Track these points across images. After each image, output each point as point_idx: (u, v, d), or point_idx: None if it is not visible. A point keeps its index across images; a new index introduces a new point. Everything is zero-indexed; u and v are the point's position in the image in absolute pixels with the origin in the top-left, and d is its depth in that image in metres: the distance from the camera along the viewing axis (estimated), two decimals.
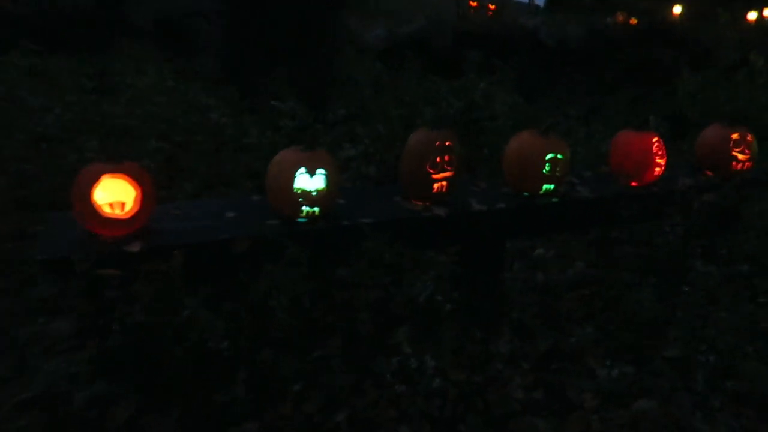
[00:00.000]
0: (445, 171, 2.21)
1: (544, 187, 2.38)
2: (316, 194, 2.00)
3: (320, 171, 2.00)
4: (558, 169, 2.36)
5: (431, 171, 2.19)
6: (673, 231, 2.70)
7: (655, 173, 2.61)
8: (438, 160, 2.18)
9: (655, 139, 2.59)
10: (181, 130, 3.40)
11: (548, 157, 2.33)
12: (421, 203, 2.24)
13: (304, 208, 2.01)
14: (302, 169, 1.98)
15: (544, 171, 2.34)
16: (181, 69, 4.42)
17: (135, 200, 1.83)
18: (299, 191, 1.99)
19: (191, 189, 2.84)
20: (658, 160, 2.59)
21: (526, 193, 2.41)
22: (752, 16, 9.52)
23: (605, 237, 2.89)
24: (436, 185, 2.21)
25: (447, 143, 2.20)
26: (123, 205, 1.82)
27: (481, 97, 4.64)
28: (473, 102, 4.49)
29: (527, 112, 4.65)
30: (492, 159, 3.47)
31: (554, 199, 2.41)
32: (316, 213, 2.02)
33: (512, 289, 2.57)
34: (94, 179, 1.80)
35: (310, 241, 1.97)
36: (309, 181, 1.99)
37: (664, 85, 5.66)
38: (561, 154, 2.36)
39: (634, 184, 2.65)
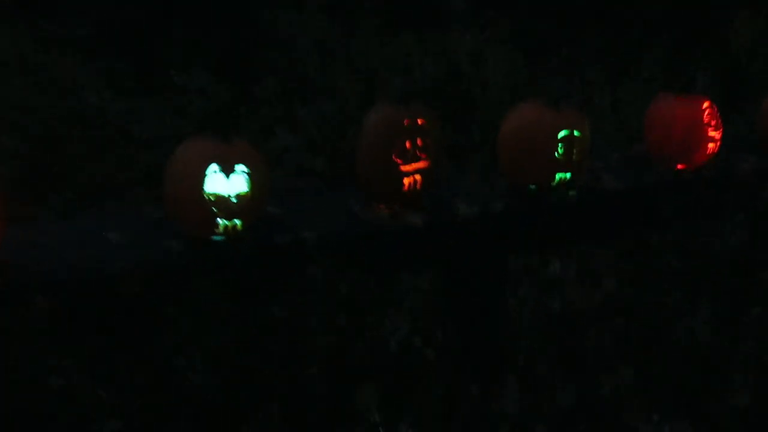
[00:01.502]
0: (418, 160, 2.24)
1: (558, 176, 2.40)
2: (237, 201, 2.00)
3: (240, 168, 2.00)
4: (575, 151, 2.38)
5: (399, 161, 2.21)
6: (734, 232, 2.72)
7: (708, 151, 2.65)
8: (408, 145, 2.21)
9: (705, 105, 2.63)
10: (46, 121, 3.35)
11: (561, 135, 2.35)
12: (387, 208, 2.26)
13: (220, 222, 2.01)
14: (214, 167, 1.97)
15: (556, 154, 2.36)
16: (44, 35, 4.36)
17: None
18: (212, 198, 1.98)
19: (60, 204, 2.82)
20: (712, 133, 2.62)
21: (532, 186, 2.43)
22: None
23: (642, 244, 2.89)
24: (407, 181, 2.24)
25: (419, 122, 2.22)
26: None
27: (469, 59, 4.73)
28: (457, 66, 4.56)
29: (531, 78, 4.69)
30: (485, 143, 3.49)
31: (571, 193, 2.43)
32: (238, 227, 2.02)
33: (519, 322, 2.56)
34: None
35: (229, 267, 1.97)
36: (225, 184, 1.98)
37: (714, 33, 5.75)
38: (578, 130, 2.38)
39: (679, 167, 2.67)
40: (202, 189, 1.97)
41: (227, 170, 1.98)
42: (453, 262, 2.33)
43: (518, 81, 4.60)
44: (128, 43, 4.06)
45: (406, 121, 2.20)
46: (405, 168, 2.22)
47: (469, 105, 4.22)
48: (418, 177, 2.24)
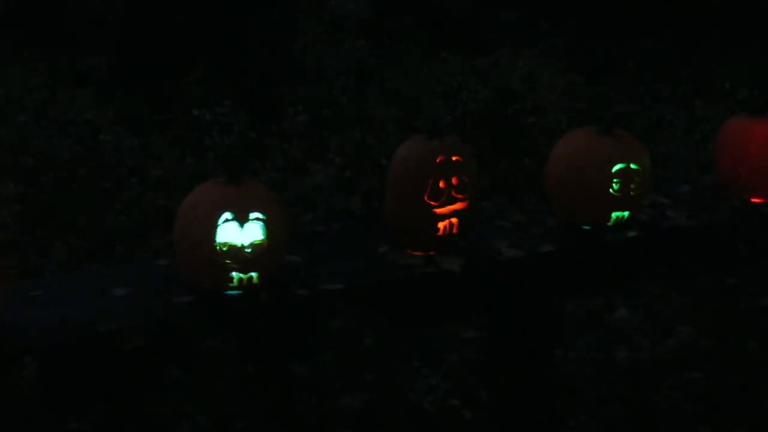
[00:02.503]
0: (454, 202, 2.23)
1: (613, 215, 2.39)
2: (251, 252, 2.01)
3: (255, 216, 2.01)
4: (633, 186, 2.36)
5: (432, 203, 2.20)
6: None
7: None
8: (442, 185, 2.20)
9: None
10: (56, 163, 3.42)
11: (616, 168, 2.34)
12: (420, 253, 2.25)
13: (234, 275, 2.02)
14: (227, 215, 1.99)
15: (611, 190, 2.35)
16: (57, 71, 4.46)
17: None
18: (224, 248, 2.00)
19: (66, 253, 2.84)
20: None
21: (586, 227, 2.42)
22: None
23: (721, 285, 2.87)
24: (441, 225, 2.23)
25: (454, 158, 2.22)
26: None
27: (520, 81, 4.73)
28: (507, 89, 4.56)
29: (591, 98, 4.71)
30: (538, 175, 3.47)
31: (631, 233, 2.41)
32: (254, 280, 2.03)
33: (577, 376, 2.55)
34: None
35: (244, 324, 1.98)
36: (239, 233, 2.00)
37: None
38: (636, 162, 2.37)
39: (755, 200, 2.63)
40: (214, 240, 1.98)
41: (241, 218, 1.99)
42: (497, 310, 2.33)
43: (577, 103, 4.62)
44: (147, 77, 4.13)
45: (439, 158, 2.19)
46: (439, 211, 2.20)
47: (522, 132, 4.23)
48: (454, 220, 2.23)
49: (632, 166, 2.35)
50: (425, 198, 2.19)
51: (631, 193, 2.37)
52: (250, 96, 3.99)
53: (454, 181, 2.21)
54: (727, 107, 4.63)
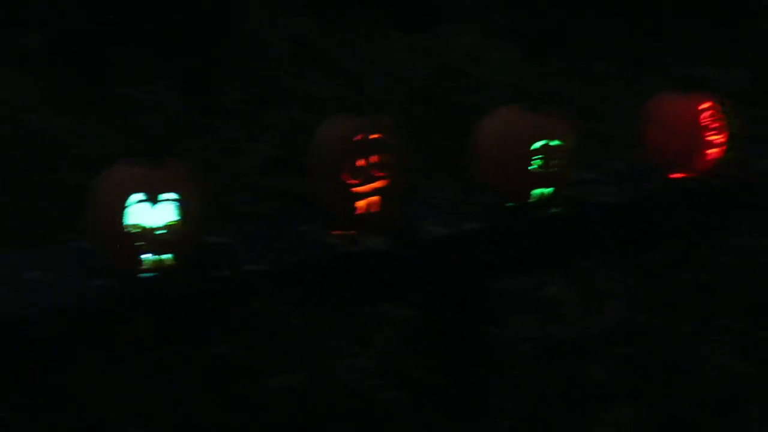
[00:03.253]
0: (374, 180, 2.23)
1: (535, 192, 2.41)
2: (165, 233, 1.99)
3: (168, 196, 1.99)
4: (554, 162, 2.38)
5: (351, 182, 2.20)
6: (759, 242, 2.70)
7: (709, 157, 2.65)
8: (361, 163, 2.20)
9: (705, 105, 2.62)
10: None
11: (536, 146, 2.35)
12: (342, 232, 2.26)
13: (148, 257, 2.00)
14: (138, 196, 1.97)
15: (530, 167, 2.36)
16: None
17: None
18: (135, 230, 1.98)
19: None
20: (711, 137, 2.62)
21: (509, 203, 2.45)
22: None
23: (651, 259, 2.84)
24: (360, 204, 2.23)
25: (372, 136, 2.21)
26: None
27: (464, 58, 4.70)
28: (450, 66, 4.54)
29: (535, 76, 4.65)
30: None
31: (554, 210, 2.44)
32: (169, 262, 2.02)
33: (509, 354, 2.52)
34: None
35: (161, 307, 1.96)
36: (151, 213, 1.98)
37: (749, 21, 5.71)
38: (557, 138, 2.38)
39: (676, 175, 2.68)
40: (122, 221, 1.96)
41: (152, 198, 1.97)
42: (425, 289, 2.33)
43: (521, 81, 4.56)
44: (78, 55, 4.05)
45: (357, 136, 2.18)
46: (358, 189, 2.20)
47: (464, 109, 4.14)
48: (375, 198, 2.23)
49: (552, 143, 2.36)
50: (344, 177, 2.19)
51: (553, 169, 2.38)
52: (185, 73, 3.93)
53: (373, 159, 2.20)
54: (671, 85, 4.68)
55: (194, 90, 3.90)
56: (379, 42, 4.87)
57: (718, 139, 2.63)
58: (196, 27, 4.27)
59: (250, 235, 2.31)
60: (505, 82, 4.54)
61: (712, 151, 2.63)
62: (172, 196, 1.99)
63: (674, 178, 2.68)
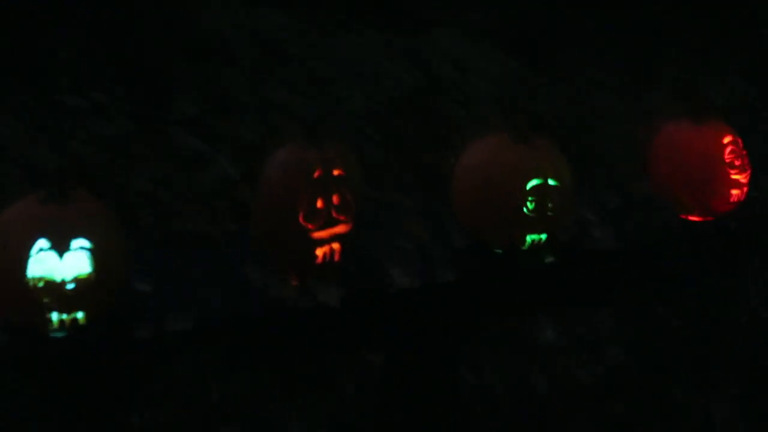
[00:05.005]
0: (335, 224, 2.01)
1: (528, 238, 2.23)
2: (75, 288, 1.78)
3: (79, 243, 1.78)
4: (551, 205, 2.19)
5: (309, 226, 1.99)
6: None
7: (732, 198, 2.48)
8: (320, 204, 1.98)
9: (728, 139, 2.45)
10: None
11: (531, 185, 2.16)
12: (295, 282, 2.06)
13: (54, 315, 1.80)
14: (42, 243, 1.76)
15: (525, 210, 2.18)
16: None
17: None
18: (40, 284, 1.77)
19: None
20: (735, 177, 2.45)
21: (497, 250, 2.28)
22: None
23: (648, 306, 2.90)
24: (320, 251, 2.01)
25: (335, 172, 2.00)
26: None
27: (448, 64, 4.61)
28: (433, 74, 4.39)
29: (528, 87, 4.59)
30: None
31: (548, 259, 2.28)
32: (79, 321, 1.82)
33: (484, 402, 2.55)
34: None
35: (67, 373, 1.82)
36: (57, 265, 1.77)
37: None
38: (555, 178, 2.20)
39: (692, 218, 2.54)
40: (26, 274, 1.76)
41: (60, 247, 1.77)
42: (388, 344, 2.22)
43: (512, 92, 4.51)
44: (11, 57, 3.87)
45: (317, 173, 1.96)
46: (317, 235, 1.99)
47: (449, 123, 4.10)
48: (336, 245, 2.01)
49: (550, 182, 2.18)
50: (300, 219, 1.97)
51: (549, 213, 2.19)
52: (136, 78, 3.75)
53: (335, 199, 1.98)
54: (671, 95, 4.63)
55: (146, 97, 3.75)
56: (354, 41, 4.74)
57: (741, 178, 2.47)
58: (148, 25, 4.08)
59: (180, 279, 2.13)
60: (494, 94, 4.47)
61: (735, 192, 2.47)
62: (84, 243, 1.78)
63: (686, 220, 2.55)
